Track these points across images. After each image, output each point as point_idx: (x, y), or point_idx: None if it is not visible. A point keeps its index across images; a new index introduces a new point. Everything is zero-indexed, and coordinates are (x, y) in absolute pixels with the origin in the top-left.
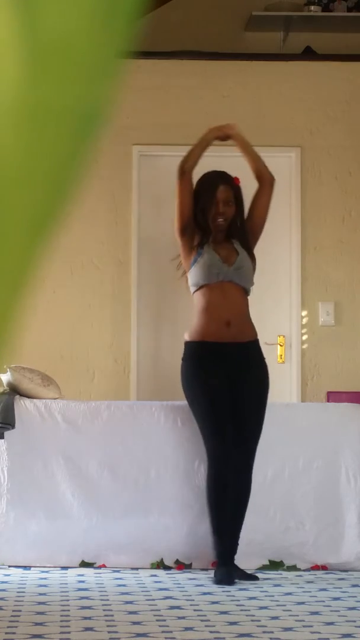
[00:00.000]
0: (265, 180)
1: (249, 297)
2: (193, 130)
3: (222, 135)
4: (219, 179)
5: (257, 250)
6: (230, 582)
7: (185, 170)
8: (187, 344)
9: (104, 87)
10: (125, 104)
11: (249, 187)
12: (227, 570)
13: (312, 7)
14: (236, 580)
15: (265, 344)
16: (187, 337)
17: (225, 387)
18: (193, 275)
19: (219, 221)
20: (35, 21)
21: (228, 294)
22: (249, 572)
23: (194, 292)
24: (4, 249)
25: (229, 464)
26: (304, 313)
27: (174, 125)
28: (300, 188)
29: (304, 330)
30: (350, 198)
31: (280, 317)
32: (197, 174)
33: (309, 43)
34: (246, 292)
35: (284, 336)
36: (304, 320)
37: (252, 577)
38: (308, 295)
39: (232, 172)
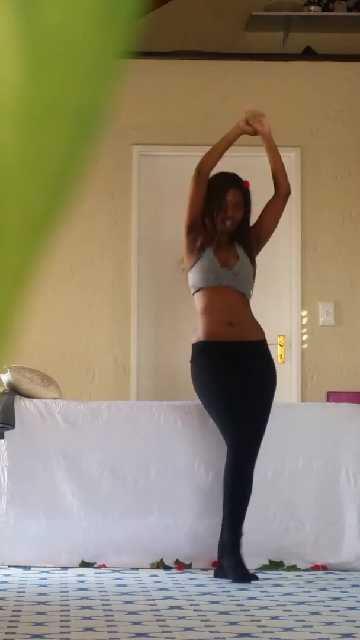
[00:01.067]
0: (281, 189)
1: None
2: (193, 130)
3: (251, 130)
4: (229, 182)
5: None
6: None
7: (203, 171)
8: (194, 345)
9: (104, 87)
10: (125, 104)
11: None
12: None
13: (312, 7)
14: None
15: None
16: (193, 339)
17: (237, 383)
18: (192, 277)
19: (227, 224)
20: (35, 21)
21: (227, 297)
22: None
23: (193, 293)
24: (4, 249)
25: (250, 455)
26: (304, 313)
27: (174, 125)
28: (300, 188)
29: (304, 330)
30: (350, 198)
31: (280, 317)
32: None
33: (309, 43)
34: (245, 296)
35: (284, 336)
36: (304, 320)
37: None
38: (308, 295)
39: (242, 175)
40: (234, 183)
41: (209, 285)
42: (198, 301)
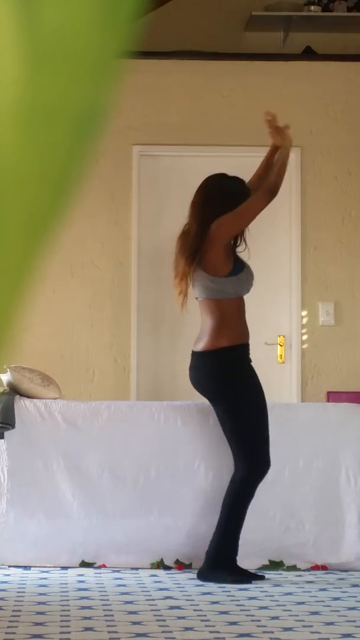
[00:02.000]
0: (268, 187)
1: (245, 297)
2: (193, 130)
3: (277, 144)
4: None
5: (257, 250)
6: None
7: (276, 194)
8: (230, 348)
9: (104, 87)
10: (125, 104)
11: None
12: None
13: (312, 7)
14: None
15: (265, 344)
16: (226, 342)
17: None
18: (233, 285)
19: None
20: (36, 21)
21: (201, 310)
22: (252, 571)
23: (222, 299)
24: (3, 249)
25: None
26: (304, 313)
27: (174, 125)
28: (300, 188)
29: (304, 330)
30: (350, 198)
31: (280, 317)
32: (199, 177)
33: (309, 43)
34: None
35: (284, 336)
36: (304, 320)
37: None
38: (308, 295)
39: (230, 172)
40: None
41: (242, 294)
42: (230, 306)
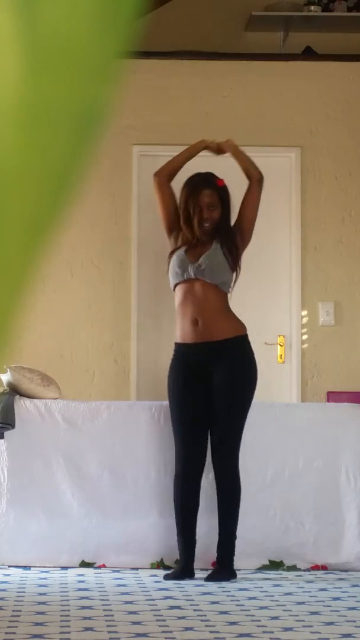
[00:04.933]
0: (253, 177)
1: (245, 297)
2: (193, 130)
3: (216, 150)
4: (203, 183)
5: (257, 250)
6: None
7: (157, 175)
8: (175, 345)
9: (104, 87)
10: (125, 104)
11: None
12: (184, 568)
13: (312, 7)
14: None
15: (265, 344)
16: (176, 338)
17: (198, 391)
18: (169, 276)
19: (204, 226)
20: (35, 21)
21: (197, 292)
22: (246, 572)
23: (174, 292)
24: (4, 249)
25: (190, 471)
26: (304, 313)
27: (174, 125)
28: (300, 188)
29: (304, 330)
30: (350, 198)
31: (280, 317)
32: (186, 175)
33: (309, 43)
34: (219, 289)
35: (284, 336)
36: (304, 320)
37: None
38: (308, 295)
39: (224, 174)
40: (208, 183)
41: (178, 280)
42: (175, 299)
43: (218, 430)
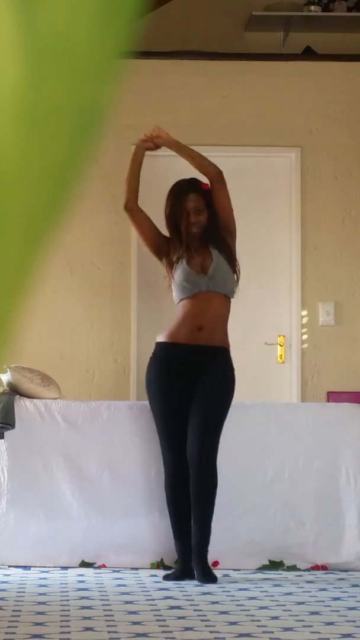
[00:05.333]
0: (210, 175)
1: (245, 298)
2: (193, 130)
3: (152, 145)
4: (187, 188)
5: (257, 250)
6: (181, 578)
7: (128, 207)
8: (157, 344)
9: (104, 87)
10: (125, 104)
11: (260, 191)
12: (184, 569)
13: (312, 7)
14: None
15: (265, 344)
16: (158, 338)
17: (182, 391)
18: (174, 291)
19: (192, 230)
20: (35, 21)
21: (207, 302)
22: (246, 572)
23: (177, 303)
24: (3, 249)
25: (179, 471)
26: (304, 313)
27: (174, 125)
28: (300, 188)
29: (304, 330)
30: (350, 198)
31: (280, 317)
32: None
33: (309, 43)
34: (227, 297)
35: (284, 336)
36: (304, 320)
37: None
38: (308, 295)
39: (230, 172)
40: (192, 188)
41: (188, 294)
42: (179, 309)
43: (198, 426)
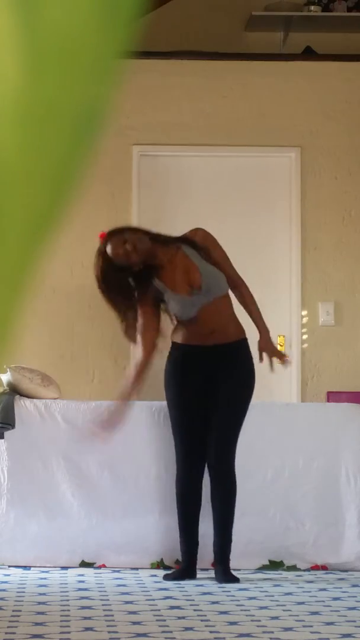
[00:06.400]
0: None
1: (231, 294)
2: (193, 130)
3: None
4: (103, 254)
5: (257, 250)
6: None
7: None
8: (173, 344)
9: (104, 87)
10: (125, 104)
11: (260, 191)
12: (185, 568)
13: (312, 7)
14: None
15: None
16: (173, 337)
17: (200, 391)
18: (175, 319)
19: (141, 267)
20: (35, 21)
21: (211, 310)
22: (246, 572)
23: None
24: (3, 249)
25: (193, 474)
26: (304, 313)
27: (174, 125)
28: (300, 188)
29: (304, 330)
30: (350, 198)
31: (280, 317)
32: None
33: (309, 43)
34: (223, 295)
35: (284, 336)
36: (304, 320)
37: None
38: (308, 295)
39: (230, 172)
40: (105, 250)
41: (188, 317)
42: (184, 323)
43: (217, 431)
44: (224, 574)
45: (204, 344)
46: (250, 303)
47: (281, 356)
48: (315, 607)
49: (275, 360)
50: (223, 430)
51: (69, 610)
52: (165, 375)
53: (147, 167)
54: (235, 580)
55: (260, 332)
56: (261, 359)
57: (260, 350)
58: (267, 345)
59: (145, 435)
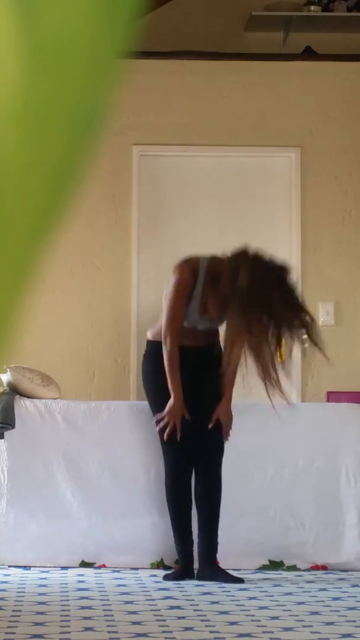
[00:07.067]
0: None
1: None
2: (193, 130)
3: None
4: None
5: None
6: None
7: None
8: (150, 342)
9: (104, 87)
10: (125, 104)
11: (259, 191)
12: (184, 568)
13: (312, 7)
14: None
15: None
16: (150, 336)
17: (189, 391)
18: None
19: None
20: (35, 21)
21: (210, 329)
22: (246, 572)
23: None
24: (4, 249)
25: (180, 470)
26: None
27: (174, 125)
28: (300, 188)
29: (304, 330)
30: (350, 198)
31: None
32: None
33: (309, 43)
34: None
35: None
36: None
37: (237, 580)
38: (308, 295)
39: (230, 173)
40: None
41: (197, 329)
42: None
43: (204, 429)
44: (213, 572)
45: (198, 345)
46: (234, 364)
47: (227, 433)
48: (315, 607)
49: (225, 431)
50: (210, 429)
51: (69, 610)
52: (150, 375)
53: (147, 167)
54: (240, 580)
55: (224, 398)
56: (212, 423)
57: (216, 415)
58: (224, 414)
59: (145, 435)
